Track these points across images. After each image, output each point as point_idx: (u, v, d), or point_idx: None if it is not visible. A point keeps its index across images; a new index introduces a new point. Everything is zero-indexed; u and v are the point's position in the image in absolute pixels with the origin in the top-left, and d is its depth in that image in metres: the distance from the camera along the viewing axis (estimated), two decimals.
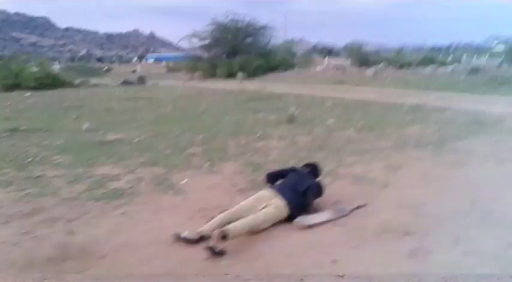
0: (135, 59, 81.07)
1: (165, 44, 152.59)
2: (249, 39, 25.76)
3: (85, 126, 8.40)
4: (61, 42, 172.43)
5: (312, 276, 2.81)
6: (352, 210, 3.66)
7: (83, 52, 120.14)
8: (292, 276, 2.80)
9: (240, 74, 20.63)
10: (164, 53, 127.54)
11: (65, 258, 2.99)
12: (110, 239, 3.30)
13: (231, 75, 22.50)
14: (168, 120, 9.18)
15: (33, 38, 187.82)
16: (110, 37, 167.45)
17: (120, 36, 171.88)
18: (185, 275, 2.79)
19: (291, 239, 3.23)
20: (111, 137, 7.42)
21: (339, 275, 2.82)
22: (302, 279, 2.77)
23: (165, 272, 2.83)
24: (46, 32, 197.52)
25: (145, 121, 9.17)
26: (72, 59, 71.94)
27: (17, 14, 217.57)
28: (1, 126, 8.60)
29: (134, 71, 30.94)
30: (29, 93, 15.81)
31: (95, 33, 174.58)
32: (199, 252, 2.99)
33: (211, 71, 23.78)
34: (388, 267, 2.79)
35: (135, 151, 6.23)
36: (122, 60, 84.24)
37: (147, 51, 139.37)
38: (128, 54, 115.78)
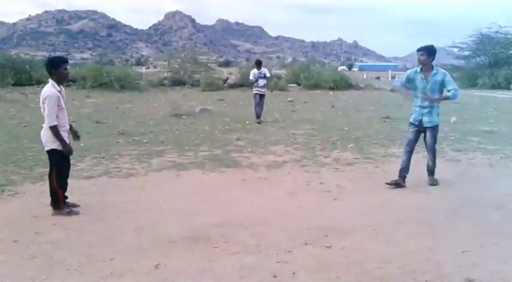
0: (341, 67, 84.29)
1: (368, 53, 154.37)
2: None
3: (452, 119, 10.48)
4: (271, 49, 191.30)
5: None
6: None
7: (289, 59, 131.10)
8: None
9: None
10: (365, 62, 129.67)
11: None
12: None
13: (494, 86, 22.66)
14: None
15: (247, 45, 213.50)
16: (314, 45, 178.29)
17: (325, 44, 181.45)
18: None
19: None
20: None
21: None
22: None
23: None
24: (259, 40, 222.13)
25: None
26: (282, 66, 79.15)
27: (237, 23, 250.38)
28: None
29: (378, 78, 33.01)
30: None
31: (301, 42, 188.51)
32: None
33: (471, 81, 24.11)
34: None
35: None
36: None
37: (348, 59, 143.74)
38: (329, 62, 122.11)
